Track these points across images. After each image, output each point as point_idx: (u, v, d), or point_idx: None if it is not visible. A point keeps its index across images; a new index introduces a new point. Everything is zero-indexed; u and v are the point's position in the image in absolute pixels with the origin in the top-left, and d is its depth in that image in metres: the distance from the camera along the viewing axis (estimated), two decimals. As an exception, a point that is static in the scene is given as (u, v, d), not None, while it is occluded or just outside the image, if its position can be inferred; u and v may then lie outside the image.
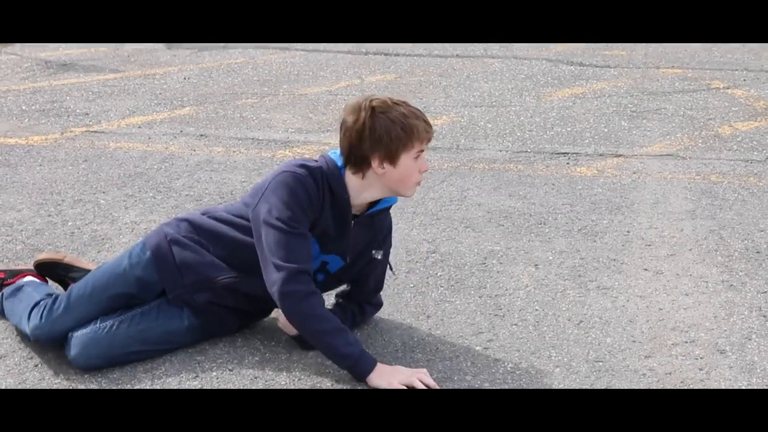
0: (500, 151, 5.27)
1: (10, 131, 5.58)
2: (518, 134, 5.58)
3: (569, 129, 5.67)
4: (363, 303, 3.13)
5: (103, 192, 4.52)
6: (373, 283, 3.11)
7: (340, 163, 2.84)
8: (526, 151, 5.26)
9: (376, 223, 3.00)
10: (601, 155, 5.18)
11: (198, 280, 2.88)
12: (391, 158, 2.78)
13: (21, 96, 6.38)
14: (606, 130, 5.65)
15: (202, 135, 5.49)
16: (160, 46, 8.11)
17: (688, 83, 6.74)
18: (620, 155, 5.18)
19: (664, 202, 4.46)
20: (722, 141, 5.41)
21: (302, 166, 2.79)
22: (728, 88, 6.58)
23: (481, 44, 8.15)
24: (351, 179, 2.83)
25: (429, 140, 2.83)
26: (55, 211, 4.27)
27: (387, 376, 2.68)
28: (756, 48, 7.92)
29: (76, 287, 2.99)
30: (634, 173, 4.88)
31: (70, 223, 4.10)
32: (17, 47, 8.01)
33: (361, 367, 2.70)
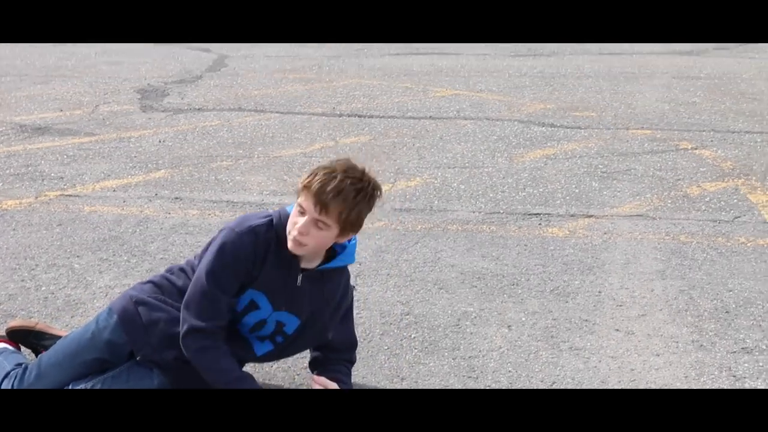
0: (473, 212, 5.32)
1: (-16, 195, 5.58)
2: (491, 195, 5.64)
3: (541, 190, 5.74)
4: (342, 363, 3.12)
5: (78, 256, 4.52)
6: (347, 343, 3.12)
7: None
8: (499, 212, 5.32)
9: (332, 279, 3.00)
10: (572, 216, 5.25)
11: (164, 336, 2.91)
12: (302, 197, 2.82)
13: (-5, 160, 6.39)
14: (577, 190, 5.73)
15: (177, 198, 5.51)
16: (135, 109, 8.16)
17: (656, 144, 6.85)
18: (591, 216, 5.25)
19: (634, 262, 4.51)
20: (691, 201, 5.50)
21: (244, 224, 2.85)
22: (696, 149, 6.69)
23: (454, 107, 8.26)
24: (312, 240, 2.85)
25: (313, 202, 2.77)
26: (29, 275, 4.26)
27: None
28: (723, 109, 8.07)
29: (45, 356, 3.00)
30: (605, 234, 4.94)
31: (43, 288, 4.10)
32: (-8, 111, 8.03)
33: None
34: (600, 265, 4.48)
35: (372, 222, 5.09)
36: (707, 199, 5.54)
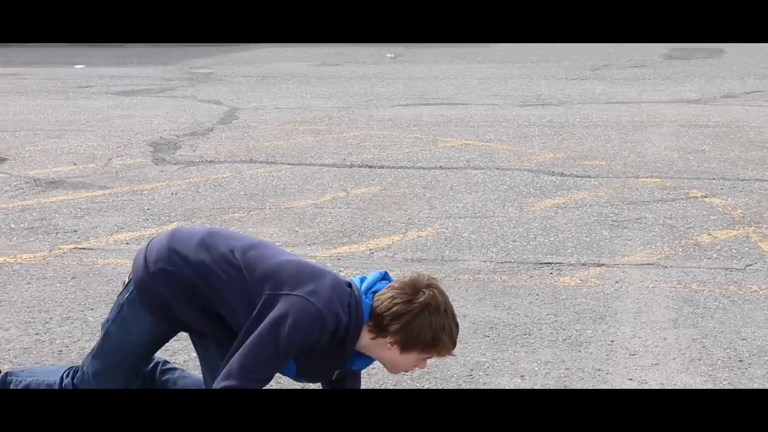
0: (484, 261, 5.34)
1: (-2, 249, 5.63)
2: (502, 245, 5.66)
3: (552, 239, 5.76)
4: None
5: (92, 309, 4.55)
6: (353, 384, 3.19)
7: (366, 316, 2.89)
8: (510, 262, 5.33)
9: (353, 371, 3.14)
10: (583, 265, 5.26)
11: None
12: (404, 348, 2.88)
13: (10, 214, 6.45)
14: (588, 239, 5.75)
15: (189, 250, 5.55)
16: (147, 162, 8.23)
17: (666, 192, 6.88)
18: (602, 265, 5.26)
19: (646, 311, 4.52)
20: (702, 249, 5.50)
21: (336, 317, 2.82)
22: (706, 197, 6.71)
23: (463, 157, 8.31)
24: (363, 333, 2.90)
25: (444, 357, 2.97)
26: (43, 329, 4.29)
27: None
28: (732, 157, 8.10)
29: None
30: (617, 282, 4.95)
31: (57, 341, 4.12)
32: (6, 166, 8.11)
33: None
34: (612, 314, 4.49)
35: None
36: (718, 247, 5.55)
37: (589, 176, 7.45)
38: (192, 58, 18.60)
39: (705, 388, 3.60)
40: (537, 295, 4.77)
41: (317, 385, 3.21)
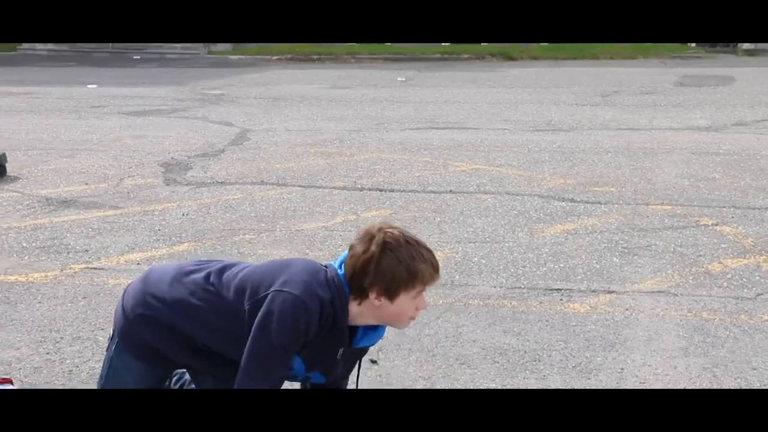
0: (494, 287, 5.34)
1: (10, 268, 5.65)
2: (512, 270, 5.66)
3: (562, 265, 5.76)
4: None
5: (102, 329, 4.56)
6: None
7: (346, 287, 2.89)
8: (520, 287, 5.33)
9: (361, 351, 3.10)
10: (593, 291, 5.26)
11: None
12: (390, 295, 2.85)
13: (22, 233, 6.48)
14: (598, 266, 5.74)
15: (200, 271, 5.56)
16: (159, 182, 8.26)
17: (677, 220, 6.87)
18: (613, 291, 5.25)
19: (657, 339, 4.51)
20: (712, 278, 5.49)
21: (310, 291, 2.81)
22: (716, 225, 6.71)
23: (474, 181, 8.32)
24: (350, 305, 2.89)
25: (434, 282, 2.91)
26: (54, 348, 4.30)
27: None
28: (743, 185, 8.09)
29: None
30: (627, 310, 4.94)
31: (68, 361, 4.13)
32: (19, 185, 8.15)
33: None
34: (622, 341, 4.48)
35: (394, 297, 5.12)
36: (729, 275, 5.54)
37: (600, 202, 7.45)
38: (204, 79, 18.70)
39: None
40: (547, 321, 4.76)
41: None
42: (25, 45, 26.25)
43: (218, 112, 13.42)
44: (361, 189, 7.95)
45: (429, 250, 2.91)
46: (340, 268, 2.93)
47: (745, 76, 18.09)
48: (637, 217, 6.95)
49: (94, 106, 14.03)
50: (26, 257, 5.91)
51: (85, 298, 5.08)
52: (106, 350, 3.14)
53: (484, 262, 5.84)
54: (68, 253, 5.98)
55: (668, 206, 7.30)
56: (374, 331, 3.03)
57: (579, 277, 5.52)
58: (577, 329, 4.64)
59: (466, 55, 24.10)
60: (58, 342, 4.39)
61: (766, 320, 4.77)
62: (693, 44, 25.30)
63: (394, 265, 2.82)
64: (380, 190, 7.90)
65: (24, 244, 6.19)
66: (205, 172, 8.72)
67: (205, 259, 3.68)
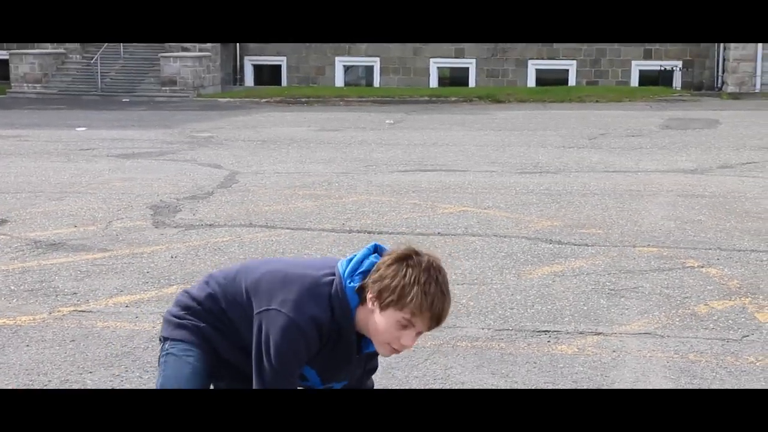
0: (482, 329, 5.36)
1: (-2, 311, 5.65)
2: (500, 312, 5.69)
3: (549, 307, 5.79)
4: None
5: (90, 372, 4.56)
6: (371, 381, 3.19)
7: (353, 303, 2.82)
8: (508, 329, 5.35)
9: (374, 357, 3.06)
10: (581, 333, 5.28)
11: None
12: (381, 302, 2.76)
13: (10, 276, 6.48)
14: (585, 308, 5.77)
15: (188, 314, 5.56)
16: (147, 225, 8.28)
17: (663, 262, 6.92)
18: (600, 333, 5.28)
19: (644, 380, 4.53)
20: (699, 320, 5.53)
21: (303, 311, 2.78)
22: (702, 267, 6.75)
23: (462, 224, 8.36)
24: (360, 311, 2.83)
25: (426, 325, 2.78)
26: (42, 391, 4.29)
27: None
28: (728, 228, 8.16)
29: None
30: (614, 351, 4.96)
31: (56, 405, 4.12)
32: (7, 228, 8.15)
33: None
34: (609, 383, 4.50)
35: (382, 339, 5.13)
36: (715, 317, 5.58)
37: (587, 244, 7.50)
38: (193, 121, 18.77)
39: None
40: (535, 363, 4.78)
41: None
42: (15, 87, 26.32)
43: (207, 154, 13.48)
44: (350, 231, 7.99)
45: (444, 293, 2.76)
46: (352, 278, 2.85)
47: (730, 119, 18.27)
48: (624, 259, 7.00)
49: (83, 149, 14.07)
50: (14, 300, 5.90)
51: (73, 341, 5.07)
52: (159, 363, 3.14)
53: (472, 303, 5.86)
54: (57, 295, 5.98)
55: (655, 248, 7.35)
56: None
57: (566, 319, 5.55)
58: (564, 371, 4.66)
59: (453, 98, 24.27)
60: (46, 385, 4.38)
61: (752, 362, 4.80)
62: (678, 87, 25.58)
63: (399, 275, 2.73)
64: (369, 233, 7.93)
65: (12, 287, 6.19)
66: (193, 215, 8.75)
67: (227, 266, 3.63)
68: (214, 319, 2.99)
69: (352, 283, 2.83)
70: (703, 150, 13.74)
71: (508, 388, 4.42)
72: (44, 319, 5.50)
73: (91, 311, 5.65)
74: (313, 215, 8.74)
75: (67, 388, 4.34)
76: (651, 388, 4.45)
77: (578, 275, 6.53)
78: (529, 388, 4.45)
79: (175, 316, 3.05)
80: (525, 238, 7.75)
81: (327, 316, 2.81)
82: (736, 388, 4.42)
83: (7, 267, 6.73)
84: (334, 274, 2.87)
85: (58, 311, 5.65)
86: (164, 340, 3.08)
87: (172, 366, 3.02)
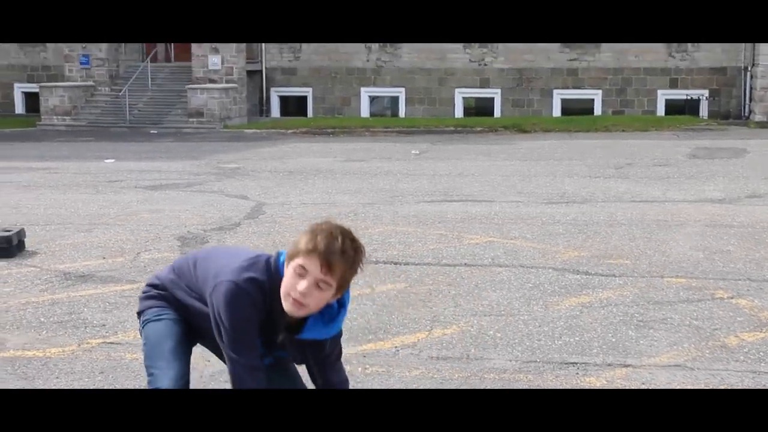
0: (510, 361, 5.34)
1: (27, 343, 5.69)
2: (527, 344, 5.66)
3: (577, 338, 5.76)
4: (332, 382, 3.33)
5: (119, 404, 4.57)
6: (333, 358, 3.31)
7: (282, 272, 3.09)
8: (536, 361, 5.32)
9: (313, 345, 3.20)
10: (609, 365, 5.25)
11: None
12: (288, 260, 3.02)
13: (39, 308, 6.53)
14: (614, 339, 5.74)
15: (216, 346, 5.58)
16: (175, 257, 8.31)
17: (692, 293, 6.87)
18: (629, 365, 5.24)
19: (674, 413, 4.48)
20: (729, 352, 5.48)
21: (249, 279, 3.05)
22: (732, 298, 6.70)
23: (488, 254, 8.35)
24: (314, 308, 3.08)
25: (318, 268, 2.95)
26: (71, 424, 4.30)
27: None
28: (757, 258, 8.09)
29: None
30: (643, 384, 4.92)
31: (85, 437, 4.13)
32: (37, 259, 8.22)
33: None
34: (639, 416, 4.45)
35: (409, 370, 5.13)
36: (746, 349, 5.53)
37: (614, 275, 7.46)
38: (220, 153, 18.91)
39: None
40: (563, 395, 4.75)
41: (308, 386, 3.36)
42: (45, 119, 26.63)
43: (234, 185, 13.56)
44: (376, 262, 7.99)
45: (333, 239, 2.96)
46: (280, 254, 3.16)
47: (758, 148, 18.17)
48: (652, 290, 6.95)
49: (112, 181, 14.19)
50: (44, 332, 5.94)
51: (102, 373, 5.10)
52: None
53: (499, 335, 5.84)
54: (85, 327, 6.02)
55: (683, 279, 7.30)
56: (325, 326, 3.16)
57: (594, 351, 5.51)
58: (593, 404, 4.62)
59: (479, 128, 24.31)
60: (75, 417, 4.40)
61: (784, 394, 4.74)
62: (705, 116, 25.48)
63: (303, 236, 2.99)
64: (395, 263, 7.93)
65: (42, 319, 6.24)
66: (221, 246, 8.78)
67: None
68: (180, 291, 3.31)
69: (282, 258, 3.11)
70: (731, 179, 13.67)
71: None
72: (73, 351, 5.53)
73: (119, 343, 5.68)
74: (339, 246, 8.75)
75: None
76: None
77: (606, 306, 6.49)
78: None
79: (144, 292, 3.42)
80: (552, 268, 7.72)
81: (264, 279, 3.06)
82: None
83: (37, 299, 6.79)
84: (271, 255, 3.19)
85: (87, 343, 5.68)
86: (139, 315, 3.41)
87: (151, 329, 3.32)
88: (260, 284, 3.05)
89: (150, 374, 3.26)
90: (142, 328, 3.37)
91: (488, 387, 4.87)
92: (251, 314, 3.04)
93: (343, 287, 3.04)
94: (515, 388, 4.27)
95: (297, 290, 2.96)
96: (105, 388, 4.83)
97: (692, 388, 4.75)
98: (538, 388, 4.86)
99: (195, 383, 3.62)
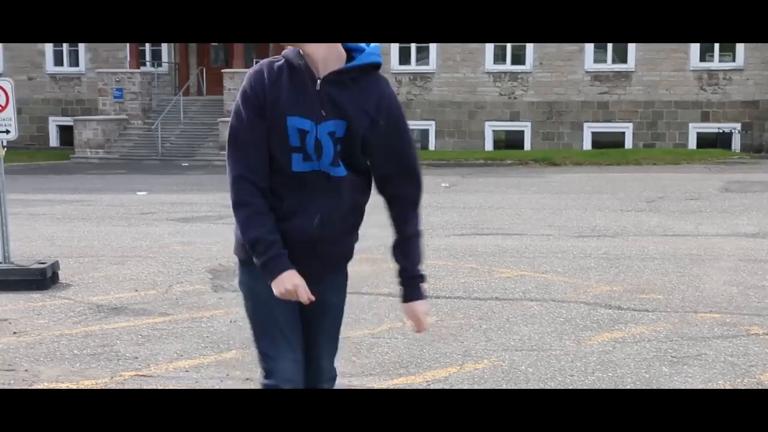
0: (542, 397, 5.30)
1: (61, 376, 5.72)
2: (560, 379, 5.62)
3: (610, 374, 5.71)
4: (404, 209, 3.54)
5: (151, 438, 4.58)
6: (397, 167, 3.47)
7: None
8: (568, 397, 5.28)
9: (355, 83, 3.19)
10: (643, 402, 5.19)
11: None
12: None
13: (73, 340, 6.58)
14: (647, 375, 5.68)
15: (248, 378, 5.59)
16: (207, 289, 8.36)
17: (727, 329, 6.80)
18: (663, 402, 5.18)
19: (709, 451, 4.42)
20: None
21: (257, 67, 3.25)
22: (767, 335, 6.62)
23: (519, 288, 8.31)
24: (313, 47, 3.14)
25: None
26: (104, 457, 4.32)
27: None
28: (792, 292, 8.01)
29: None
30: (678, 421, 4.86)
31: (118, 470, 4.14)
32: (70, 292, 8.29)
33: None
34: (674, 454, 4.40)
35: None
36: (781, 386, 5.46)
37: (647, 310, 7.41)
38: (251, 186, 18.99)
39: None
40: (596, 432, 4.70)
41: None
42: (78, 152, 26.94)
43: (265, 218, 13.60)
44: (407, 296, 7.98)
45: None
46: None
47: (791, 182, 18.01)
48: (686, 326, 6.89)
49: (144, 213, 14.31)
50: (77, 364, 5.98)
51: (134, 405, 5.11)
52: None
53: (531, 370, 5.81)
54: (118, 360, 6.05)
55: (717, 314, 7.23)
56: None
57: (628, 387, 5.46)
58: (627, 441, 4.57)
59: (509, 161, 24.31)
60: (107, 450, 4.41)
61: (821, 433, 4.67)
62: (737, 150, 25.33)
63: None
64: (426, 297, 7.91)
65: (75, 351, 6.28)
66: (252, 279, 8.81)
67: None
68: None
69: None
70: (764, 213, 13.55)
71: None
72: (106, 383, 5.56)
73: (152, 376, 5.70)
74: (369, 279, 8.75)
75: None
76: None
77: (639, 342, 6.44)
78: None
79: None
80: (584, 303, 7.68)
81: (271, 59, 3.22)
82: None
83: (70, 331, 6.84)
84: None
85: (120, 376, 5.71)
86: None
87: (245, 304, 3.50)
88: (264, 65, 3.23)
89: None
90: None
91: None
92: (248, 96, 3.21)
93: None
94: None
95: None
96: (137, 421, 4.85)
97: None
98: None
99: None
